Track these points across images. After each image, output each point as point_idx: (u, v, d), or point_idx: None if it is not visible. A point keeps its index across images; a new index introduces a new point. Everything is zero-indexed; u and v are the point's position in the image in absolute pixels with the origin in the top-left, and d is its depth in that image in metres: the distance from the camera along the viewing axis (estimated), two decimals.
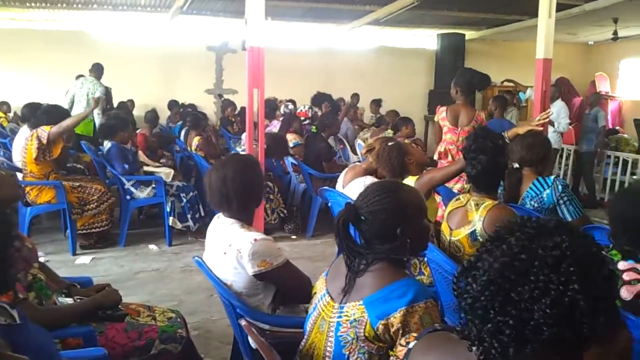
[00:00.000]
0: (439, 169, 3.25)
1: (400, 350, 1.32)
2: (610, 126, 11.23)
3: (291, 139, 6.22)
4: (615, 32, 9.47)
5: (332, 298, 1.73)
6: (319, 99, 7.97)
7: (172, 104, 9.63)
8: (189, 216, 5.36)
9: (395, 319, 1.55)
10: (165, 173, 5.38)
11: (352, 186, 3.77)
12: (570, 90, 11.92)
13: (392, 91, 10.89)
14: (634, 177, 8.22)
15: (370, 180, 3.72)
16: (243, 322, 1.78)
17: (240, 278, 2.16)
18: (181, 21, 9.47)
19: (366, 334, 1.60)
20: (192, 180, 6.40)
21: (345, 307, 1.66)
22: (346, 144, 7.21)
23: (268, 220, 5.56)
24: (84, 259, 4.94)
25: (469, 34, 11.16)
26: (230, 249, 2.16)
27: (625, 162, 8.28)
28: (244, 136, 6.03)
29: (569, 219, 3.22)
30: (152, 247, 5.30)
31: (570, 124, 10.43)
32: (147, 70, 10.22)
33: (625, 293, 1.96)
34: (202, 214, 5.52)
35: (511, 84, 9.51)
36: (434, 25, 10.49)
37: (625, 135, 9.89)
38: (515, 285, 0.99)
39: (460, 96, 4.68)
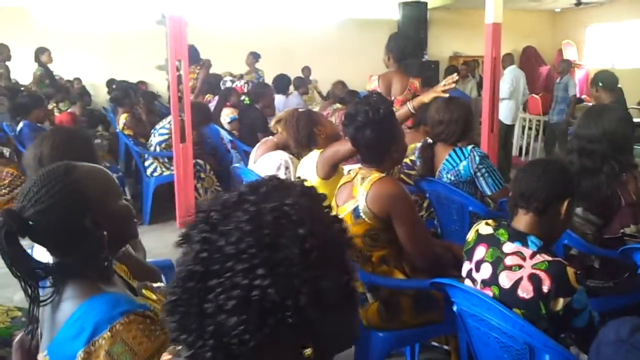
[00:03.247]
0: (344, 142, 2.91)
1: None
2: (578, 95, 10.98)
3: (228, 113, 5.86)
4: None
5: None
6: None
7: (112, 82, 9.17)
8: None
9: None
10: None
11: (261, 162, 3.44)
12: (537, 59, 11.64)
13: (353, 64, 10.49)
14: None
15: (280, 154, 3.40)
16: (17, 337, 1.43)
17: None
18: None
19: None
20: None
21: None
22: None
23: (201, 201, 5.22)
24: None
25: (432, 2, 10.79)
26: None
27: None
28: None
29: (488, 192, 2.95)
30: None
31: (537, 93, 10.20)
32: (93, 47, 9.75)
33: (505, 280, 1.67)
34: (129, 197, 5.17)
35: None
36: None
37: (590, 104, 9.64)
38: (203, 295, 0.77)
39: (393, 63, 4.34)
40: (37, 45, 8.22)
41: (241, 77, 7.54)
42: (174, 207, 5.07)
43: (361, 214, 2.13)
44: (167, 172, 5.18)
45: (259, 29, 10.40)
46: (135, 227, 1.46)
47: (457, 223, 3.06)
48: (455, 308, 1.79)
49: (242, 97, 5.91)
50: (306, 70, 9.55)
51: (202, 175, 5.26)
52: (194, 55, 6.27)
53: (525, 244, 1.69)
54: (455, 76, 2.90)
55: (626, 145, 2.56)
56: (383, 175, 2.16)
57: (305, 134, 3.09)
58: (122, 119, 5.63)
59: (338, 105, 6.27)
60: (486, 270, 1.74)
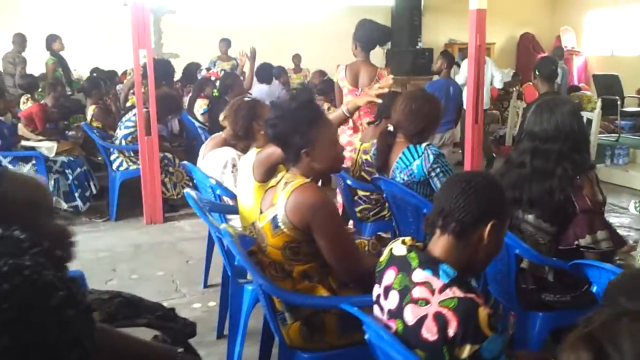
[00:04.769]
0: None
1: None
2: (577, 83, 10.68)
3: (201, 104, 5.65)
4: None
5: None
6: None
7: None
8: (76, 195, 4.84)
9: None
10: (47, 148, 4.82)
11: (208, 158, 3.25)
12: (535, 46, 11.30)
13: (347, 52, 10.22)
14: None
15: (228, 152, 3.19)
16: None
17: None
18: None
19: None
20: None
21: None
22: None
23: (169, 196, 5.03)
24: None
25: None
26: None
27: (589, 121, 7.71)
28: None
29: None
30: None
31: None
32: (81, 35, 9.50)
33: (410, 315, 1.43)
34: (94, 191, 4.99)
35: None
36: None
37: (587, 93, 9.33)
38: None
39: (361, 52, 4.14)
40: (24, 32, 7.98)
41: (214, 64, 7.30)
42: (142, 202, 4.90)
43: (279, 224, 1.92)
44: (133, 167, 4.99)
45: (250, 18, 10.12)
46: (70, 252, 1.28)
47: (414, 225, 2.86)
48: (366, 336, 1.59)
49: (218, 82, 5.66)
50: (296, 58, 9.30)
51: (171, 169, 5.07)
52: (167, 70, 5.93)
53: (436, 273, 1.43)
54: (389, 78, 2.62)
55: (582, 142, 2.33)
56: (307, 181, 1.94)
57: (243, 126, 2.93)
58: (90, 110, 5.44)
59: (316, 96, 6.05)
60: (393, 300, 1.50)
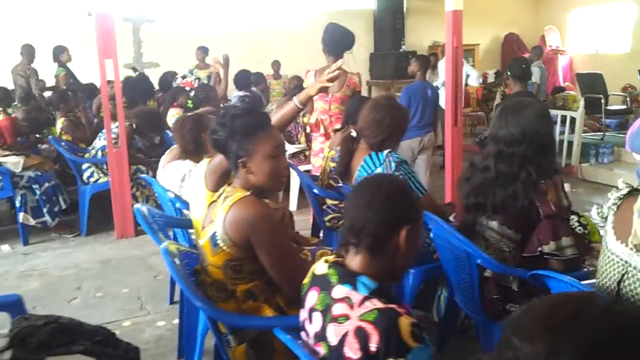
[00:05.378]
0: None
1: None
2: (562, 82, 10.61)
3: (174, 114, 5.52)
4: None
5: None
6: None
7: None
8: (44, 210, 4.69)
9: None
10: (13, 163, 4.68)
11: (166, 170, 3.13)
12: (520, 46, 11.25)
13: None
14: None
15: (186, 164, 3.07)
16: None
17: None
18: None
19: None
20: None
21: None
22: None
23: None
24: None
25: None
26: None
27: (573, 120, 7.61)
28: None
29: None
30: (4, 247, 4.64)
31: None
32: (67, 45, 9.38)
33: (332, 335, 1.32)
34: (64, 206, 4.85)
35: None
36: None
37: (572, 93, 9.26)
38: None
39: (328, 57, 4.02)
40: (7, 42, 7.83)
41: (191, 72, 7.18)
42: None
43: (219, 242, 1.79)
44: (104, 179, 4.86)
45: (231, 25, 10.01)
46: None
47: None
48: None
49: (192, 92, 5.54)
50: (275, 64, 9.18)
51: (143, 182, 4.93)
52: (144, 86, 5.85)
53: (355, 286, 1.33)
54: (340, 62, 2.57)
55: (548, 146, 2.22)
56: (247, 194, 1.82)
57: (191, 139, 3.00)
58: (60, 123, 5.31)
59: None
60: (317, 322, 1.39)
